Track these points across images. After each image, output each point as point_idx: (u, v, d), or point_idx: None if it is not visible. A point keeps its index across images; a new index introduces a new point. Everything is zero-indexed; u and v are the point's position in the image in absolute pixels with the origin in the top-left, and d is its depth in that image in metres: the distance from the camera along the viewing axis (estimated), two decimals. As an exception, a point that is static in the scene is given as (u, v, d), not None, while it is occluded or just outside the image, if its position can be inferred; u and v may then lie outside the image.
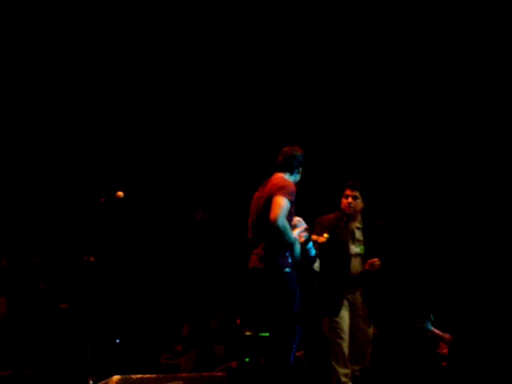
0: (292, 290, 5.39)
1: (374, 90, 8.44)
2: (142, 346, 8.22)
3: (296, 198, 5.45)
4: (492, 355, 6.99)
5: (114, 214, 6.84)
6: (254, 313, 5.64)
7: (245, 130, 8.71)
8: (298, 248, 5.45)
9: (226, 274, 8.34)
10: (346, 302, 6.28)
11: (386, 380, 7.09)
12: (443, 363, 7.11)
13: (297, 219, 5.56)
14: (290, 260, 5.41)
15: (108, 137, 8.65)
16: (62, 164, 8.53)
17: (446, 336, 7.08)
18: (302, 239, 5.73)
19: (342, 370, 6.21)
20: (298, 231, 5.57)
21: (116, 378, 5.77)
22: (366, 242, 6.37)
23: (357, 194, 6.36)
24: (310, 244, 5.66)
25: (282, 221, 5.27)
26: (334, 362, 6.24)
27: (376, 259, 6.23)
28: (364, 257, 6.33)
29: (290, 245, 5.38)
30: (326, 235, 6.03)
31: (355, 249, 6.34)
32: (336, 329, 6.23)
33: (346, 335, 6.25)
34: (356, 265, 6.33)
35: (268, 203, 5.37)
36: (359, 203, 6.37)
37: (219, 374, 6.30)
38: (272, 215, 5.27)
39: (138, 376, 5.86)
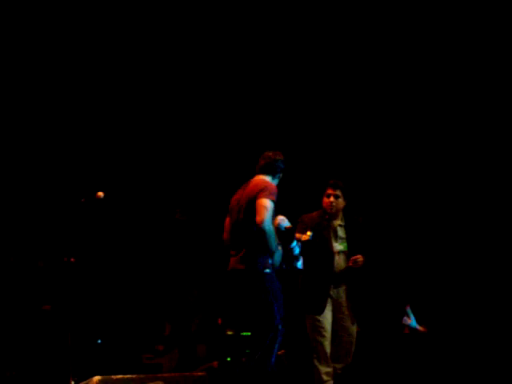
0: (273, 290, 5.41)
1: (354, 89, 8.46)
2: (124, 347, 8.21)
3: (278, 198, 5.47)
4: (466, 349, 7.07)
5: (95, 215, 6.84)
6: (235, 313, 5.66)
7: (226, 131, 8.71)
8: (278, 257, 5.47)
9: (207, 274, 8.34)
10: (329, 300, 6.30)
11: (368, 378, 7.12)
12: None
13: (280, 218, 5.58)
14: (270, 261, 5.43)
15: (88, 137, 8.63)
16: (41, 164, 8.50)
17: (421, 328, 7.13)
18: (307, 237, 5.79)
19: (323, 369, 6.23)
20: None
21: (96, 378, 5.78)
22: (348, 240, 6.40)
23: (338, 192, 6.40)
24: (294, 243, 5.69)
25: (269, 224, 5.30)
26: (315, 361, 6.26)
27: (359, 256, 6.27)
28: (347, 254, 6.36)
29: (270, 250, 5.40)
30: (309, 233, 6.06)
31: (338, 246, 6.37)
32: (318, 327, 6.25)
33: (328, 334, 6.27)
34: (340, 262, 6.36)
35: (251, 205, 5.39)
36: (341, 202, 6.41)
37: (200, 373, 6.32)
38: (259, 218, 5.29)
39: (119, 376, 5.87)
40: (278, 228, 5.57)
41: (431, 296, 7.84)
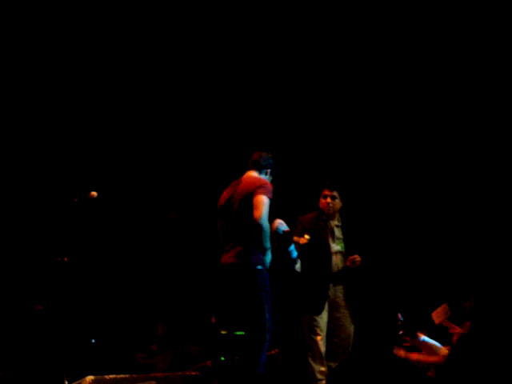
0: (263, 286, 5.43)
1: (349, 89, 8.46)
2: (117, 346, 8.21)
3: (273, 199, 5.50)
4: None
5: (88, 214, 6.83)
6: (226, 309, 5.67)
7: (219, 130, 8.71)
8: (269, 257, 5.49)
9: (201, 273, 8.33)
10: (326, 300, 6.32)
11: (361, 377, 7.12)
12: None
13: (278, 221, 5.59)
14: (263, 259, 5.44)
15: (81, 137, 8.62)
16: (34, 164, 8.48)
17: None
18: (305, 241, 5.80)
19: (317, 368, 6.26)
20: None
21: (89, 378, 5.78)
22: (345, 240, 6.43)
23: (335, 193, 6.43)
24: (292, 246, 5.70)
25: (266, 220, 5.34)
26: (310, 359, 6.29)
27: (356, 256, 6.29)
28: (344, 254, 6.38)
29: (263, 246, 5.41)
30: (306, 236, 6.08)
31: (336, 247, 6.41)
32: (314, 326, 6.28)
33: (323, 333, 6.30)
34: (337, 262, 6.40)
35: (246, 201, 5.42)
36: (338, 202, 6.45)
37: (193, 373, 6.32)
38: (257, 214, 5.33)
39: (112, 376, 5.87)
40: (275, 232, 5.58)
41: (428, 297, 7.83)
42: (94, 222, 8.19)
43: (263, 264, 5.44)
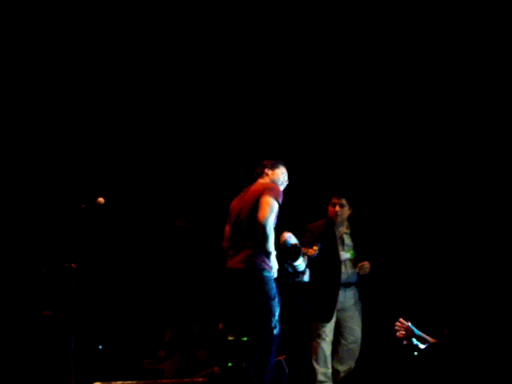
0: (270, 292, 5.40)
1: (355, 97, 8.45)
2: (125, 352, 8.21)
3: (282, 205, 5.47)
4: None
5: (95, 221, 6.84)
6: (232, 314, 5.65)
7: (225, 137, 8.71)
8: (274, 260, 5.45)
9: (208, 279, 8.34)
10: None
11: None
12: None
13: (287, 235, 5.56)
14: (269, 264, 5.42)
15: (88, 143, 8.63)
16: (42, 170, 8.50)
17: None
18: (313, 252, 5.77)
19: (320, 369, 6.26)
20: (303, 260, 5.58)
21: (97, 384, 5.79)
22: (355, 247, 6.41)
23: (343, 201, 6.42)
24: (300, 259, 5.68)
25: (269, 222, 5.29)
26: (314, 362, 6.30)
27: (366, 262, 6.28)
28: (354, 262, 6.37)
29: (266, 250, 5.39)
30: (315, 247, 6.05)
31: (345, 255, 6.40)
32: (320, 330, 6.27)
33: (328, 338, 6.29)
34: (347, 270, 6.37)
35: (255, 204, 5.38)
36: (346, 210, 6.44)
37: (201, 379, 6.31)
38: (261, 214, 5.28)
39: (119, 382, 5.89)
40: (283, 244, 5.55)
41: (438, 302, 7.81)
42: (102, 228, 8.20)
43: (270, 268, 5.42)
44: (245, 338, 5.70)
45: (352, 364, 6.38)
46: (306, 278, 6.10)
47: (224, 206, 5.97)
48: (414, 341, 6.00)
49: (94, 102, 8.63)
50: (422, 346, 7.00)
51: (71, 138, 8.60)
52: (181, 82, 8.67)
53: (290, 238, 5.58)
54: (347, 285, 6.36)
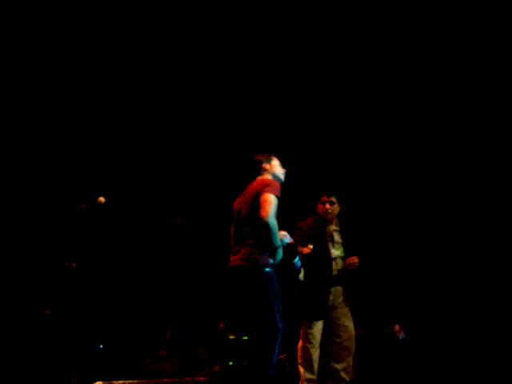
0: (272, 289, 5.39)
1: (344, 94, 8.46)
2: (126, 352, 8.21)
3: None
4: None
5: (96, 220, 6.84)
6: (235, 312, 5.64)
7: (225, 137, 8.72)
8: (280, 253, 5.45)
9: (209, 278, 8.35)
10: None
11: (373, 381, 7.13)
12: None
13: (282, 233, 5.56)
14: (271, 260, 5.42)
15: (88, 143, 8.63)
16: (42, 170, 8.50)
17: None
18: (308, 251, 5.77)
19: (307, 375, 6.22)
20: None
21: (98, 383, 5.79)
22: (344, 244, 6.41)
23: (333, 198, 6.39)
24: (297, 258, 5.68)
25: (273, 218, 5.29)
26: (300, 366, 6.26)
27: (355, 257, 6.27)
28: (344, 259, 6.37)
29: (272, 247, 5.39)
30: (310, 246, 6.03)
31: (335, 252, 6.38)
32: (308, 334, 6.24)
33: (316, 341, 6.26)
34: (337, 267, 6.37)
35: (255, 201, 5.39)
36: (336, 208, 6.41)
37: (202, 378, 6.32)
38: (263, 212, 5.27)
39: (120, 382, 5.89)
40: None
41: (426, 300, 7.83)
42: (102, 227, 8.20)
43: (271, 265, 5.41)
44: (245, 337, 5.70)
45: (350, 361, 6.35)
46: (301, 276, 6.09)
47: (225, 205, 5.97)
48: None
49: (95, 102, 8.64)
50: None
51: (72, 137, 8.60)
52: (181, 81, 8.68)
53: (286, 237, 5.58)
54: (337, 282, 6.35)
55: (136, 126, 8.79)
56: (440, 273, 7.88)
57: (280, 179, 5.70)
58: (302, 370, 6.22)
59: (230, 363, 7.14)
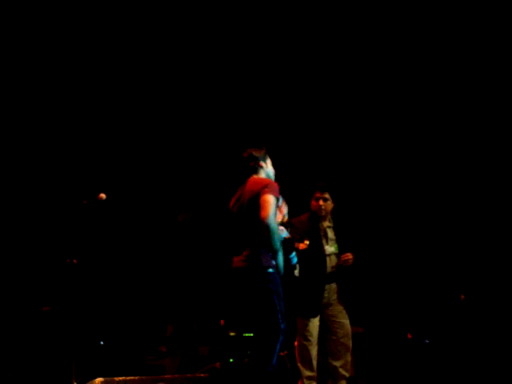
0: (275, 289, 5.39)
1: (338, 91, 8.47)
2: (126, 348, 8.21)
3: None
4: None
5: (97, 216, 6.83)
6: (237, 313, 5.64)
7: (225, 133, 8.72)
8: (280, 258, 5.44)
9: (209, 275, 8.34)
10: None
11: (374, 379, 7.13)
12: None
13: (280, 228, 5.56)
14: (273, 262, 5.41)
15: (89, 139, 8.63)
16: (43, 166, 8.50)
17: None
18: (305, 246, 5.77)
19: (306, 373, 6.23)
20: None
21: (98, 380, 5.78)
22: (338, 241, 6.40)
23: (327, 195, 6.40)
24: (293, 253, 5.67)
25: (273, 220, 5.28)
26: (299, 364, 6.26)
27: (349, 254, 6.27)
28: (338, 256, 6.37)
29: (272, 247, 5.38)
30: (306, 242, 6.05)
31: (330, 248, 6.38)
32: (305, 332, 6.24)
33: (313, 338, 6.26)
34: (332, 264, 6.37)
35: (253, 202, 5.37)
36: (330, 204, 6.42)
37: (202, 375, 6.31)
38: (264, 214, 5.25)
39: (121, 378, 5.86)
40: None
41: (424, 294, 7.84)
42: (103, 224, 8.20)
43: (274, 265, 5.40)
44: (246, 334, 5.70)
45: (348, 357, 6.35)
46: (297, 272, 6.10)
47: (225, 202, 5.96)
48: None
49: (95, 100, 8.65)
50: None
51: (73, 134, 8.61)
52: (181, 81, 8.68)
53: (283, 232, 5.57)
54: (332, 279, 6.34)
55: (136, 122, 8.79)
56: (434, 268, 7.89)
57: (272, 179, 5.67)
58: (301, 368, 6.23)
59: (231, 360, 7.14)
